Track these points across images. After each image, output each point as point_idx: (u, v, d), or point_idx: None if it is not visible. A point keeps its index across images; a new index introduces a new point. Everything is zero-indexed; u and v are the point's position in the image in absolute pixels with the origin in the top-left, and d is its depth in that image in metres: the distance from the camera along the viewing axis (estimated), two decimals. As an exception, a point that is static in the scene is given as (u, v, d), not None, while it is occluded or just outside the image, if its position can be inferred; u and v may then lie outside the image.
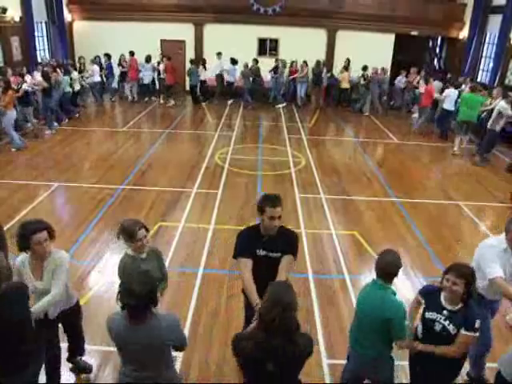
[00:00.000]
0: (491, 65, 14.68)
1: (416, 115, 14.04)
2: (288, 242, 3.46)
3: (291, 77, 16.14)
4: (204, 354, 4.35)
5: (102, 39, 16.23)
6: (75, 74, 13.56)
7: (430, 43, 19.64)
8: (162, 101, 15.81)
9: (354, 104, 15.97)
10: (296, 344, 2.52)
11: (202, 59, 16.10)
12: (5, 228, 6.35)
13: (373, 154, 11.33)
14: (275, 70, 15.75)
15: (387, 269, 3.16)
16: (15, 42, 13.68)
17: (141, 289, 2.59)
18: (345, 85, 15.87)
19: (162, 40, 16.92)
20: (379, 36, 16.45)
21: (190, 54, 16.93)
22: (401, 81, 15.61)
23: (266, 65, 15.91)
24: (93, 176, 8.82)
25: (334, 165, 10.10)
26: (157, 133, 12.18)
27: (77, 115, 13.20)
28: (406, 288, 5.37)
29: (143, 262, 3.54)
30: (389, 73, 16.26)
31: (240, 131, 12.66)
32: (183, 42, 17.08)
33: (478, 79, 15.33)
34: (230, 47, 15.85)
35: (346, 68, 15.77)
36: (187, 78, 16.33)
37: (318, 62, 15.78)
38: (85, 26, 16.84)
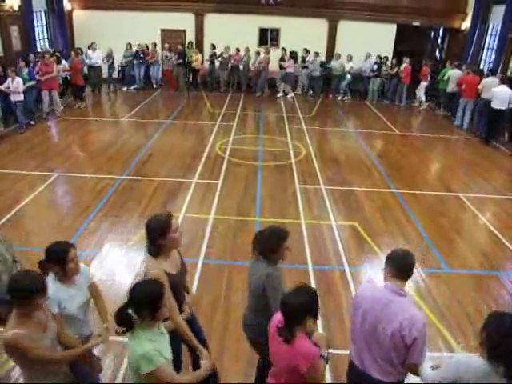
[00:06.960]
0: (493, 56, 14.58)
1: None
2: None
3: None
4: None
5: (102, 28, 16.06)
6: None
7: (432, 34, 19.50)
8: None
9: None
10: None
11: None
12: (5, 218, 6.47)
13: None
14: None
15: None
16: (14, 31, 13.54)
17: None
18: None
19: (162, 29, 16.81)
20: (381, 26, 16.31)
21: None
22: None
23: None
24: (93, 166, 8.82)
25: (334, 154, 10.10)
26: (157, 123, 12.13)
27: None
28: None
29: None
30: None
31: (240, 121, 12.61)
32: (184, 31, 16.96)
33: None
34: (230, 37, 15.76)
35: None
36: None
37: (181, 45, 15.81)
38: (85, 14, 16.67)
